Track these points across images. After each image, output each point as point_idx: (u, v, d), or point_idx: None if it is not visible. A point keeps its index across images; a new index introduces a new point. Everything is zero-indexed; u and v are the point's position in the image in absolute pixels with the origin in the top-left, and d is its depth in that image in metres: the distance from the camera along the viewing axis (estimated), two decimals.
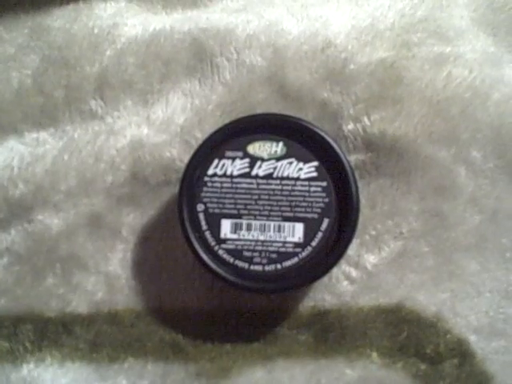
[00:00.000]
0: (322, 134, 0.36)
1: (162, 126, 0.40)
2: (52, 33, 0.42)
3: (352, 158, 0.39)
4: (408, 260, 0.39)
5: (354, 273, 0.39)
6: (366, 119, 0.39)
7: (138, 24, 0.42)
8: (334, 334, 0.38)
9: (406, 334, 0.38)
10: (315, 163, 0.36)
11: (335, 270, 0.39)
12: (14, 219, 0.40)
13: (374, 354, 0.38)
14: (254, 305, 0.39)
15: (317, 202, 0.35)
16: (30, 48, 0.42)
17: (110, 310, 0.39)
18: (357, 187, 0.35)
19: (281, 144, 0.36)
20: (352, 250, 0.39)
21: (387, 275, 0.39)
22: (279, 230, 0.35)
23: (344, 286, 0.39)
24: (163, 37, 0.41)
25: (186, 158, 0.37)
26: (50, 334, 0.39)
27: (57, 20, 0.42)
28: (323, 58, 0.40)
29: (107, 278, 0.40)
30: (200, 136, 0.40)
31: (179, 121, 0.40)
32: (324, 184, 0.35)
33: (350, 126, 0.39)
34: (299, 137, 0.36)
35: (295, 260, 0.35)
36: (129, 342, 0.39)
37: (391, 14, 0.40)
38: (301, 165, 0.36)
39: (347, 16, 0.40)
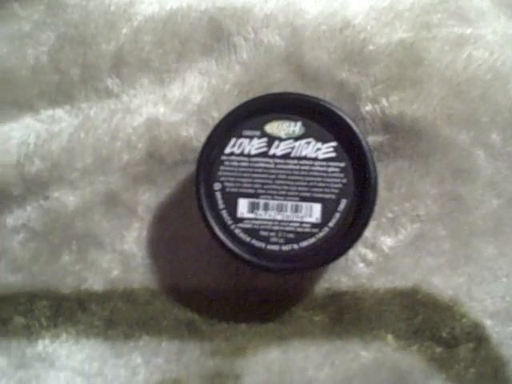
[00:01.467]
0: (341, 113, 0.35)
1: (178, 104, 0.40)
2: (68, 10, 0.42)
3: (370, 140, 0.38)
4: (425, 243, 0.38)
5: (370, 255, 0.38)
6: (384, 100, 0.38)
7: (154, 2, 0.41)
8: (350, 316, 0.38)
9: (421, 317, 0.38)
10: (333, 143, 0.35)
11: (351, 252, 0.38)
12: (30, 196, 0.40)
13: (390, 337, 0.38)
14: (269, 285, 0.39)
15: (335, 183, 0.35)
16: (46, 25, 0.42)
17: (125, 288, 0.39)
18: (375, 168, 0.35)
19: (299, 124, 0.35)
20: (369, 232, 0.38)
21: (404, 258, 0.38)
22: (296, 210, 0.35)
23: (360, 268, 0.38)
24: (180, 15, 0.41)
25: (203, 138, 0.36)
26: (66, 310, 0.39)
27: None
28: (341, 39, 0.39)
29: (123, 256, 0.40)
30: (217, 115, 0.39)
31: (196, 100, 0.40)
32: (342, 164, 0.35)
33: (368, 107, 0.39)
34: (318, 117, 0.35)
35: (312, 240, 0.35)
36: (144, 320, 0.39)
37: None
38: (319, 145, 0.35)
39: None
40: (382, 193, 0.38)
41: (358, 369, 0.38)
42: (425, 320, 0.38)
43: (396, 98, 0.38)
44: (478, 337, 0.38)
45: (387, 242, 0.39)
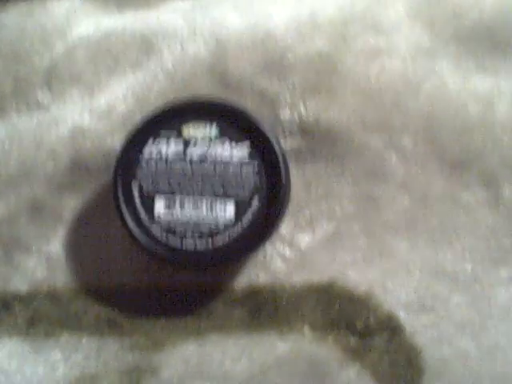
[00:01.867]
0: (251, 115, 0.38)
1: (103, 114, 0.43)
2: (4, 28, 0.44)
3: (288, 144, 0.41)
4: (340, 240, 0.41)
5: (287, 252, 0.41)
6: (301, 107, 0.41)
7: (90, 23, 0.44)
8: (267, 310, 0.41)
9: (337, 308, 0.40)
10: (247, 145, 0.38)
11: (269, 249, 0.41)
12: None
13: (306, 328, 0.40)
14: (189, 282, 0.41)
15: (248, 183, 0.37)
16: None
17: (49, 289, 0.42)
18: (286, 168, 0.37)
19: (214, 126, 0.38)
20: (286, 230, 0.41)
21: (320, 254, 0.41)
22: (211, 209, 0.37)
23: (278, 264, 0.41)
24: (115, 36, 0.43)
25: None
26: None
27: (9, 16, 0.44)
28: (263, 50, 0.42)
29: (48, 258, 0.42)
30: None
31: (120, 109, 0.43)
32: (255, 165, 0.37)
33: (287, 113, 0.41)
34: (232, 119, 0.38)
35: (226, 237, 0.37)
36: (65, 318, 0.41)
37: (331, 7, 0.42)
38: (233, 146, 0.38)
39: (289, 9, 0.43)
40: (300, 193, 0.41)
41: (274, 360, 0.40)
42: (340, 311, 0.40)
43: (312, 104, 0.41)
44: (391, 327, 0.40)
45: (304, 239, 0.41)
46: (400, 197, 0.41)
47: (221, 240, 0.37)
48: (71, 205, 0.42)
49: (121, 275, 0.42)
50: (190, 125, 0.38)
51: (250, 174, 0.38)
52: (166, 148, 0.38)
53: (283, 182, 0.37)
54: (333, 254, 0.41)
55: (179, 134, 0.38)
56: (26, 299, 0.42)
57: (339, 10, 0.42)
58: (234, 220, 0.37)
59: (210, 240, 0.37)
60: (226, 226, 0.37)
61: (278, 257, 0.41)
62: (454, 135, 0.41)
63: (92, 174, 0.42)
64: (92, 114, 0.43)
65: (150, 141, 0.38)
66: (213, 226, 0.37)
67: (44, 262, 0.42)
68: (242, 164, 0.38)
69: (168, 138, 0.38)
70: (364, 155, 0.41)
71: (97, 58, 0.43)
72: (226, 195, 0.38)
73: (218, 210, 0.38)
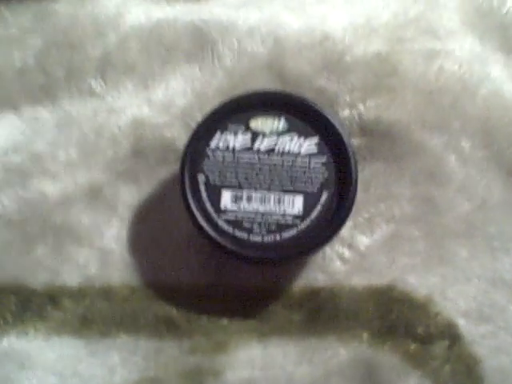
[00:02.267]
0: (322, 110, 0.37)
1: (162, 107, 0.41)
2: (57, 17, 0.43)
3: None
4: (399, 243, 0.39)
5: (346, 253, 0.39)
6: (361, 106, 0.40)
7: (141, 13, 0.43)
8: (326, 313, 0.39)
9: (396, 314, 0.38)
10: (316, 139, 0.36)
11: (328, 251, 0.39)
12: (8, 186, 0.40)
13: (365, 334, 0.38)
14: (248, 282, 0.39)
15: (316, 177, 0.36)
16: (34, 31, 0.43)
17: (102, 285, 0.39)
18: (356, 162, 0.36)
19: (282, 119, 0.37)
20: (346, 231, 0.39)
21: (379, 257, 0.39)
22: (279, 202, 0.36)
23: (337, 265, 0.39)
24: (166, 25, 0.42)
25: (186, 139, 0.37)
26: (35, 306, 0.39)
27: (62, 5, 0.43)
28: (321, 50, 0.41)
29: (100, 253, 0.40)
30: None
31: (180, 103, 0.41)
32: (324, 159, 0.36)
33: (346, 112, 0.40)
34: (300, 113, 0.37)
35: (294, 231, 0.36)
36: (121, 317, 0.39)
37: (385, 14, 0.42)
38: (302, 140, 0.37)
39: (343, 14, 0.42)
40: (359, 194, 0.39)
41: (335, 366, 0.38)
42: (399, 317, 0.38)
43: (372, 103, 0.40)
44: (451, 335, 0.38)
45: (363, 241, 0.39)
46: (459, 201, 0.40)
47: (288, 234, 0.36)
48: (128, 196, 0.40)
49: (179, 273, 0.39)
50: (258, 118, 0.37)
51: (319, 168, 0.36)
52: (233, 141, 0.37)
53: (353, 176, 0.36)
54: (392, 257, 0.39)
55: (247, 127, 0.37)
56: (77, 295, 0.39)
57: (394, 16, 0.42)
58: (302, 214, 0.36)
59: (277, 233, 0.36)
60: (294, 220, 0.36)
61: (337, 258, 0.39)
62: (510, 140, 0.40)
63: (151, 166, 0.40)
64: (151, 107, 0.41)
65: (218, 133, 0.37)
66: (280, 220, 0.36)
67: (97, 255, 0.39)
68: (310, 157, 0.36)
69: (235, 131, 0.37)
70: (423, 156, 0.40)
71: (150, 49, 0.42)
72: (294, 189, 0.36)
73: (286, 203, 0.36)
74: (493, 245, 0.40)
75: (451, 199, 0.40)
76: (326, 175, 0.36)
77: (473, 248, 0.40)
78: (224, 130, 0.37)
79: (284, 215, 0.36)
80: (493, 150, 0.40)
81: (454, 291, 0.39)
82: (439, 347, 0.38)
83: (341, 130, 0.36)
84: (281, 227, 0.36)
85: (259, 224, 0.36)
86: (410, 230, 0.40)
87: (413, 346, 0.38)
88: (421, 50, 0.41)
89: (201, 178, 0.36)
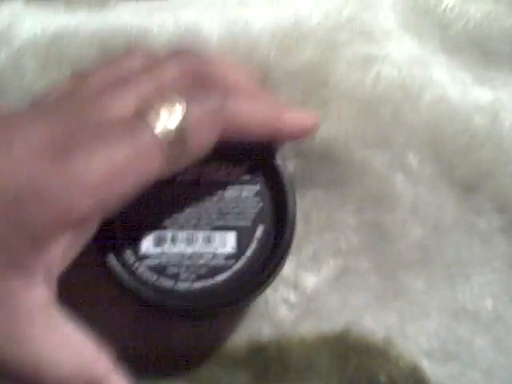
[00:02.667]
0: None
1: None
2: None
3: None
4: (350, 279, 0.34)
5: (292, 297, 0.33)
6: None
7: (37, 24, 0.36)
8: (275, 371, 0.33)
9: (354, 364, 0.33)
10: (247, 165, 0.31)
11: (271, 295, 0.33)
12: None
13: None
14: (183, 343, 0.33)
15: (250, 209, 0.31)
16: None
17: None
18: (292, 188, 0.31)
19: None
20: (289, 270, 0.34)
21: (329, 297, 0.34)
22: (209, 241, 0.30)
23: (283, 312, 0.33)
24: (66, 37, 0.35)
25: None
26: None
27: None
28: (244, 66, 0.36)
29: None
30: None
31: None
32: (257, 187, 0.31)
33: None
34: None
35: (227, 274, 0.30)
36: None
37: (316, 14, 0.37)
38: (230, 167, 0.31)
39: (269, 17, 0.37)
40: (300, 226, 0.33)
41: None
42: (359, 367, 0.33)
43: None
44: (416, 380, 0.34)
45: (310, 280, 0.34)
46: (411, 226, 0.35)
47: (221, 277, 0.30)
48: None
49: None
50: None
51: (252, 198, 0.31)
52: None
53: (290, 205, 0.31)
54: (343, 296, 0.34)
55: None
56: None
57: (325, 18, 0.37)
58: (235, 253, 0.30)
59: (208, 278, 0.30)
60: (227, 261, 0.30)
61: (282, 303, 0.33)
62: (461, 152, 0.36)
63: None
64: None
65: None
66: (211, 262, 0.30)
67: None
68: (242, 187, 0.31)
69: None
70: (367, 177, 0.35)
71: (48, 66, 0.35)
72: (225, 224, 0.31)
73: (216, 242, 0.30)
74: (451, 272, 0.35)
75: (402, 224, 0.35)
76: (260, 205, 0.31)
77: (429, 277, 0.35)
78: None
79: (215, 256, 0.30)
80: (443, 165, 0.36)
81: (413, 329, 0.34)
82: None
83: (273, 153, 0.31)
84: (212, 270, 0.30)
85: (187, 268, 0.30)
86: (359, 262, 0.34)
87: None
88: (355, 56, 0.36)
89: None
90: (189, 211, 0.31)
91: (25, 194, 0.23)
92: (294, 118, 0.31)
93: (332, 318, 0.33)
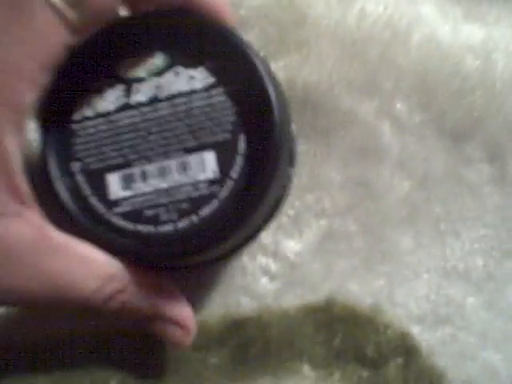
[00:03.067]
0: (209, 21, 0.25)
1: None
2: None
3: None
4: (334, 242, 0.31)
5: (273, 265, 0.30)
6: None
7: None
8: (256, 350, 0.29)
9: (341, 336, 0.30)
10: (210, 64, 0.25)
11: (250, 265, 0.30)
12: None
13: (306, 367, 0.30)
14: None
15: (225, 117, 0.25)
16: None
17: None
18: (276, 84, 0.25)
19: (159, 53, 0.26)
20: (268, 236, 0.30)
21: (312, 264, 0.30)
22: (185, 169, 0.25)
23: (263, 283, 0.30)
24: None
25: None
26: None
27: None
28: None
29: None
30: None
31: None
32: (228, 88, 0.25)
33: None
34: (180, 37, 0.25)
35: (215, 204, 0.25)
36: None
37: None
38: (192, 72, 0.25)
39: None
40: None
41: None
42: (345, 339, 0.30)
43: (280, 64, 0.31)
44: (407, 349, 0.31)
45: (291, 246, 0.30)
46: (398, 180, 0.32)
47: (208, 210, 0.25)
48: None
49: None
50: (125, 60, 0.26)
51: (225, 103, 0.25)
52: (102, 103, 0.26)
53: (273, 94, 0.24)
54: (327, 262, 0.30)
55: (115, 78, 0.26)
56: None
57: None
58: (218, 176, 0.25)
59: (192, 214, 0.25)
60: (211, 187, 0.25)
61: (262, 273, 0.30)
62: (452, 97, 0.32)
63: None
64: None
65: (79, 97, 0.26)
66: (193, 193, 0.25)
67: None
68: (208, 92, 0.25)
69: (100, 87, 0.26)
70: (353, 128, 0.31)
71: None
72: (199, 144, 0.25)
73: (193, 167, 0.25)
74: (440, 228, 0.32)
75: (388, 179, 0.32)
76: (236, 110, 0.25)
77: (418, 235, 0.32)
78: (85, 89, 0.25)
79: (196, 184, 0.25)
80: (432, 112, 0.32)
81: (402, 293, 0.31)
82: (394, 368, 0.30)
83: (240, 41, 0.25)
84: (196, 202, 0.25)
85: (166, 207, 0.25)
86: (344, 224, 0.31)
87: (365, 373, 0.30)
88: None
89: (75, 166, 0.25)
90: (153, 138, 0.25)
91: None
92: None
93: (316, 287, 0.30)
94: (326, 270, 0.30)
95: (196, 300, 0.29)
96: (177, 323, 0.26)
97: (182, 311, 0.26)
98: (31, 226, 0.23)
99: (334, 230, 0.31)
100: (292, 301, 0.30)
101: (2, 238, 0.22)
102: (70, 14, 0.22)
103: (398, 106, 0.32)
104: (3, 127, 0.22)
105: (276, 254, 0.30)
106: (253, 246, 0.30)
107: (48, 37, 0.22)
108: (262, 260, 0.30)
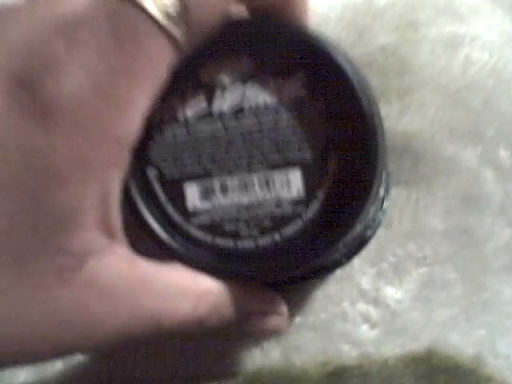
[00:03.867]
0: (304, 30, 0.24)
1: None
2: None
3: None
4: (434, 291, 0.31)
5: (373, 313, 0.30)
6: None
7: None
8: None
9: None
10: (301, 76, 0.24)
11: (350, 311, 0.30)
12: None
13: None
14: (244, 365, 0.29)
15: (314, 134, 0.24)
16: None
17: None
18: (373, 99, 0.24)
19: (246, 60, 0.24)
20: (368, 282, 0.30)
21: (412, 313, 0.30)
22: (268, 185, 0.24)
23: (364, 331, 0.30)
24: None
25: None
26: None
27: None
28: None
29: None
30: None
31: None
32: (320, 104, 0.24)
33: None
34: (271, 44, 0.24)
35: (299, 223, 0.24)
36: None
37: None
38: (280, 82, 0.24)
39: None
40: (380, 231, 0.30)
41: None
42: None
43: (383, 114, 0.31)
44: None
45: (392, 293, 0.30)
46: (498, 227, 0.31)
47: (292, 229, 0.24)
48: None
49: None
50: (210, 65, 0.24)
51: (316, 120, 0.24)
52: (183, 110, 0.24)
53: (373, 124, 0.23)
54: (427, 311, 0.30)
55: (197, 84, 0.24)
56: None
57: None
58: (304, 195, 0.24)
59: (275, 232, 0.24)
60: (295, 206, 0.24)
61: (363, 321, 0.30)
62: None
63: None
64: None
65: (158, 104, 0.23)
66: (275, 210, 0.24)
67: None
68: (299, 106, 0.24)
69: (182, 94, 0.24)
70: (456, 175, 0.31)
71: None
72: (285, 161, 0.24)
73: (277, 185, 0.24)
74: None
75: (489, 226, 0.31)
76: (328, 128, 0.24)
77: None
78: (166, 93, 0.23)
79: (278, 202, 0.24)
80: None
81: (504, 344, 0.31)
82: None
83: (338, 55, 0.23)
84: (278, 221, 0.24)
85: (246, 222, 0.24)
86: (444, 272, 0.31)
87: None
88: (440, 37, 0.32)
89: (151, 172, 0.25)
90: (235, 150, 0.24)
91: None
92: None
93: (416, 336, 0.30)
94: (426, 319, 0.30)
95: (296, 343, 0.30)
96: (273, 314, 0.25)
97: (275, 302, 0.26)
98: (123, 261, 0.22)
99: (435, 278, 0.31)
100: (392, 349, 0.30)
101: (95, 276, 0.21)
102: (176, 31, 0.20)
103: (502, 152, 0.31)
104: (107, 163, 0.20)
105: (376, 301, 0.30)
106: (353, 292, 0.30)
107: (155, 61, 0.20)
108: (363, 307, 0.30)
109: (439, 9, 0.32)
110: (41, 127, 0.19)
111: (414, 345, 0.30)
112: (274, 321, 0.25)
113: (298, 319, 0.29)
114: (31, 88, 0.18)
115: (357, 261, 0.28)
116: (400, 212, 0.31)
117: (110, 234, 0.21)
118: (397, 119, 0.31)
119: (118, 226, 0.21)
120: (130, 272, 0.22)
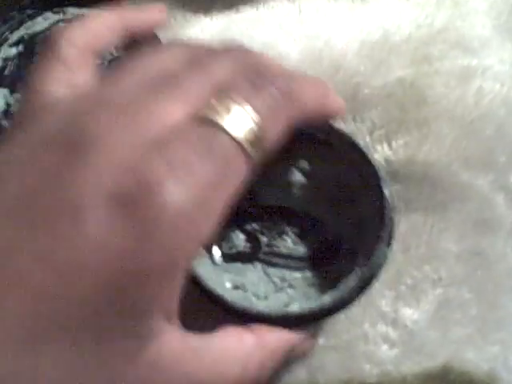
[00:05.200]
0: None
1: None
2: None
3: None
4: (450, 311, 0.32)
5: (392, 333, 0.32)
6: (386, 147, 0.33)
7: None
8: None
9: None
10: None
11: (371, 331, 0.32)
12: None
13: None
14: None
15: None
16: None
17: None
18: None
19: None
20: (387, 304, 0.32)
21: (429, 332, 0.32)
22: None
23: (384, 350, 0.32)
24: None
25: None
26: None
27: None
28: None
29: None
30: None
31: None
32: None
33: None
34: None
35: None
36: None
37: (405, 24, 0.34)
38: None
39: (354, 30, 0.34)
40: (397, 255, 0.32)
41: None
42: None
43: (400, 142, 0.33)
44: None
45: (409, 314, 0.32)
46: (510, 249, 0.33)
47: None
48: None
49: None
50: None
51: None
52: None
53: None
54: (443, 330, 0.32)
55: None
56: None
57: (416, 28, 0.34)
58: None
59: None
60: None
61: (383, 341, 0.32)
62: None
63: None
64: None
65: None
66: None
67: None
68: None
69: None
70: (469, 201, 0.33)
71: None
72: None
73: None
74: None
75: (501, 248, 0.33)
76: None
77: None
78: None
79: None
80: None
81: None
82: None
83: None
84: None
85: None
86: (459, 292, 0.33)
87: None
88: (453, 69, 0.34)
89: (216, 251, 0.28)
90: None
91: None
92: (333, 94, 0.27)
93: (432, 354, 0.32)
94: (442, 338, 0.32)
95: (320, 363, 0.32)
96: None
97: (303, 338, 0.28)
98: (178, 341, 0.23)
99: (450, 298, 0.32)
100: (410, 367, 0.32)
101: (157, 356, 0.22)
102: (254, 154, 0.22)
103: None
104: (190, 262, 0.22)
105: (395, 322, 0.32)
106: (374, 314, 0.32)
107: (238, 178, 0.22)
108: (383, 328, 0.32)
109: (451, 43, 0.34)
110: (139, 233, 0.20)
111: (431, 362, 0.32)
112: (301, 349, 0.27)
113: (321, 341, 0.31)
114: (133, 204, 0.20)
115: (377, 284, 0.30)
116: (417, 237, 0.32)
117: (169, 318, 0.22)
118: (417, 149, 0.33)
119: (176, 310, 0.23)
120: (182, 349, 0.23)
